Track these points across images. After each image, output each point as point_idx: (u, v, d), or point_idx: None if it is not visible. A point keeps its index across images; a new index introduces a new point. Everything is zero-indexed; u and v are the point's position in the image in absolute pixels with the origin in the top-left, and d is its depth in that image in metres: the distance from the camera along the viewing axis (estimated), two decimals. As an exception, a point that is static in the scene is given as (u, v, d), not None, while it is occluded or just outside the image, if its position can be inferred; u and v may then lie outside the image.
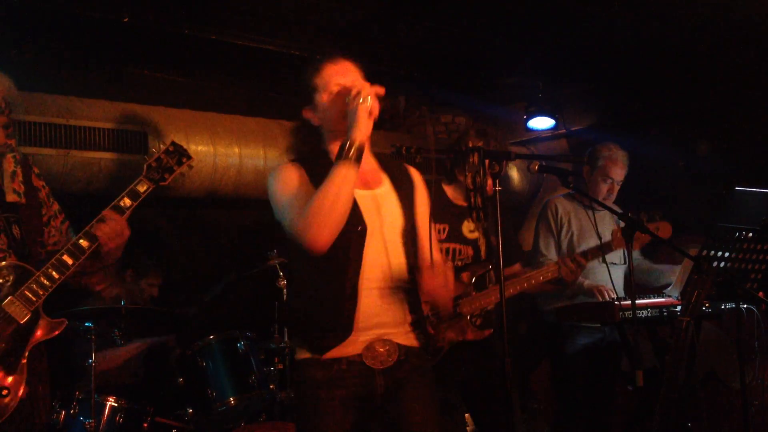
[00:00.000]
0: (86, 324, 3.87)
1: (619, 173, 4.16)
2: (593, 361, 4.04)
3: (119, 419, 3.89)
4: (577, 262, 3.45)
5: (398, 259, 2.50)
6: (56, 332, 2.53)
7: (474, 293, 3.32)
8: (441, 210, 3.39)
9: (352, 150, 2.33)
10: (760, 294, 3.58)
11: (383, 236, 2.48)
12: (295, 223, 2.35)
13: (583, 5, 4.25)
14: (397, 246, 2.51)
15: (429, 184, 3.48)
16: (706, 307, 3.72)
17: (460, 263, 3.39)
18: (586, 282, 4.00)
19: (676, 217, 5.18)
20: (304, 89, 2.56)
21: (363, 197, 2.48)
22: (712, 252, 3.42)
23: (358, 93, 2.34)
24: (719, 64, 4.91)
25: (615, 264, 4.10)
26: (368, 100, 2.33)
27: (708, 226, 3.53)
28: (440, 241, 3.38)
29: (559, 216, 4.10)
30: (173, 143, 2.77)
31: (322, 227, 2.29)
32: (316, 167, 2.45)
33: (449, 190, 3.51)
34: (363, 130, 2.34)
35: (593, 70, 5.21)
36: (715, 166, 5.21)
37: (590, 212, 4.16)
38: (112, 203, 2.57)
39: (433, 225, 3.26)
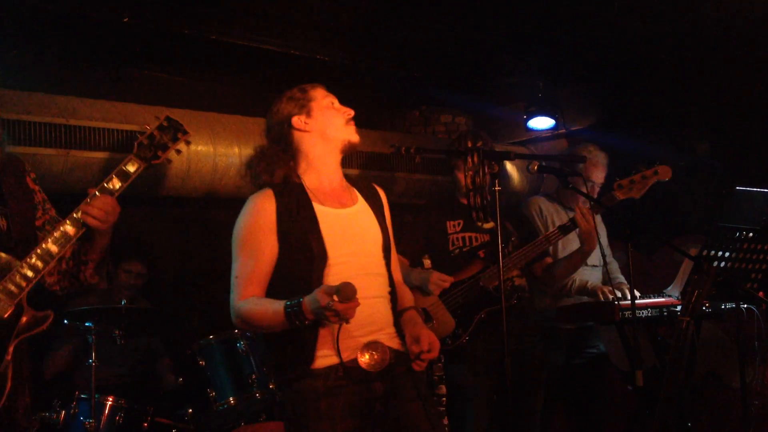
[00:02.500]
0: (86, 324, 3.88)
1: (599, 176, 4.13)
2: (574, 366, 4.07)
3: (119, 419, 3.90)
4: (588, 209, 3.47)
5: (381, 270, 2.60)
6: (43, 327, 2.34)
7: (493, 266, 3.43)
8: (454, 207, 3.66)
9: (298, 321, 2.33)
10: (760, 294, 3.57)
11: (364, 250, 2.56)
12: (232, 302, 2.50)
13: (583, 5, 4.26)
14: (378, 258, 2.61)
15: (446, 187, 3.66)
16: (706, 307, 3.72)
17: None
18: (590, 283, 4.01)
19: (676, 217, 5.19)
20: (299, 97, 2.66)
21: (336, 217, 2.57)
22: (712, 252, 3.42)
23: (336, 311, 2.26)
24: (720, 65, 4.91)
25: (595, 266, 4.11)
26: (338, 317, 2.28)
27: (708, 226, 3.53)
28: (456, 233, 3.60)
29: (543, 215, 4.09)
30: (168, 117, 2.56)
31: (247, 329, 2.60)
32: (289, 201, 2.54)
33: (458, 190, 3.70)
34: (319, 318, 2.31)
35: (593, 70, 5.21)
36: (715, 166, 5.21)
37: (569, 213, 4.13)
38: (99, 185, 2.38)
39: (447, 222, 3.61)
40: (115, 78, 4.84)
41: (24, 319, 2.30)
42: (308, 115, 2.64)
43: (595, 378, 4.11)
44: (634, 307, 3.31)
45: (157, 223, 5.26)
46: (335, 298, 2.21)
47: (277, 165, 2.63)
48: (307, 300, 2.29)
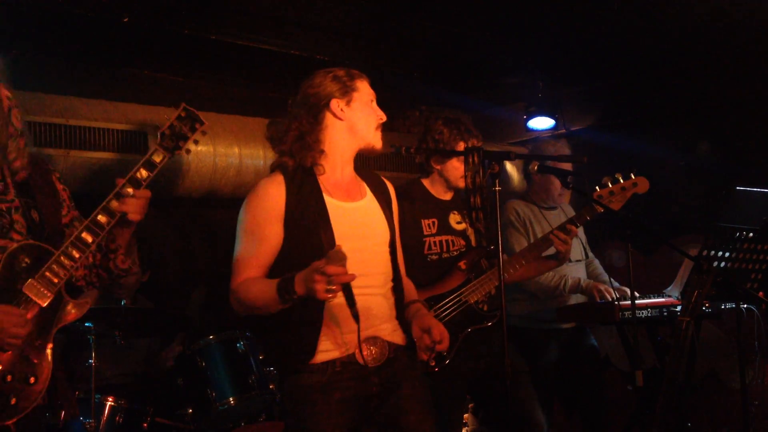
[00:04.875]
0: (86, 324, 3.88)
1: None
2: (570, 366, 4.04)
3: (119, 419, 3.90)
4: (566, 230, 3.36)
5: (384, 267, 2.58)
6: (82, 312, 2.39)
7: (474, 280, 3.31)
8: (427, 205, 3.42)
9: (288, 295, 2.28)
10: (760, 294, 3.57)
11: (368, 247, 2.52)
12: (231, 284, 2.48)
13: (583, 5, 4.26)
14: (383, 255, 2.59)
15: (412, 183, 3.50)
16: (706, 307, 3.72)
17: (455, 253, 3.38)
18: (582, 280, 3.99)
19: (676, 217, 5.19)
20: (343, 83, 2.58)
21: (345, 211, 2.54)
22: (712, 252, 3.42)
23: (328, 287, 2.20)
24: (720, 65, 4.91)
25: (579, 261, 4.11)
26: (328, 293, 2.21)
27: (708, 226, 3.53)
28: (432, 235, 3.38)
29: (522, 217, 4.08)
30: (185, 107, 2.53)
31: (245, 312, 2.46)
32: (299, 189, 2.50)
33: (428, 184, 3.48)
34: (310, 294, 2.22)
35: (593, 70, 5.21)
36: (715, 166, 5.21)
37: (544, 212, 4.13)
38: (129, 175, 2.36)
39: (422, 221, 3.37)
40: (115, 78, 4.85)
41: (63, 306, 2.35)
42: (348, 103, 2.56)
43: (583, 377, 4.10)
44: (634, 307, 3.30)
45: (157, 223, 5.26)
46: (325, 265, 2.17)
47: (312, 146, 2.55)
48: (299, 273, 2.24)
